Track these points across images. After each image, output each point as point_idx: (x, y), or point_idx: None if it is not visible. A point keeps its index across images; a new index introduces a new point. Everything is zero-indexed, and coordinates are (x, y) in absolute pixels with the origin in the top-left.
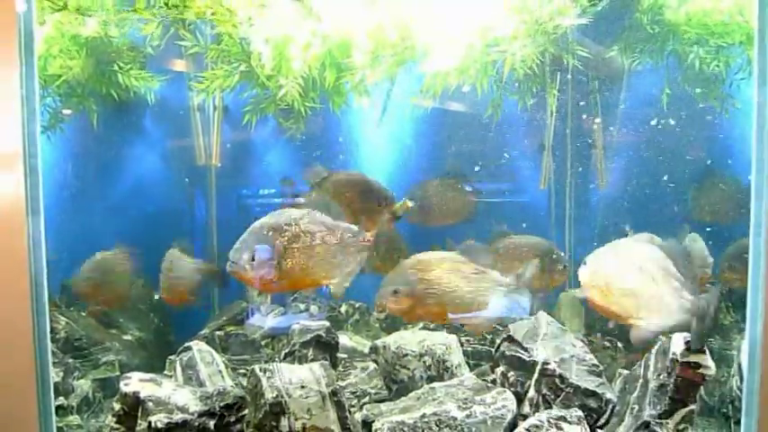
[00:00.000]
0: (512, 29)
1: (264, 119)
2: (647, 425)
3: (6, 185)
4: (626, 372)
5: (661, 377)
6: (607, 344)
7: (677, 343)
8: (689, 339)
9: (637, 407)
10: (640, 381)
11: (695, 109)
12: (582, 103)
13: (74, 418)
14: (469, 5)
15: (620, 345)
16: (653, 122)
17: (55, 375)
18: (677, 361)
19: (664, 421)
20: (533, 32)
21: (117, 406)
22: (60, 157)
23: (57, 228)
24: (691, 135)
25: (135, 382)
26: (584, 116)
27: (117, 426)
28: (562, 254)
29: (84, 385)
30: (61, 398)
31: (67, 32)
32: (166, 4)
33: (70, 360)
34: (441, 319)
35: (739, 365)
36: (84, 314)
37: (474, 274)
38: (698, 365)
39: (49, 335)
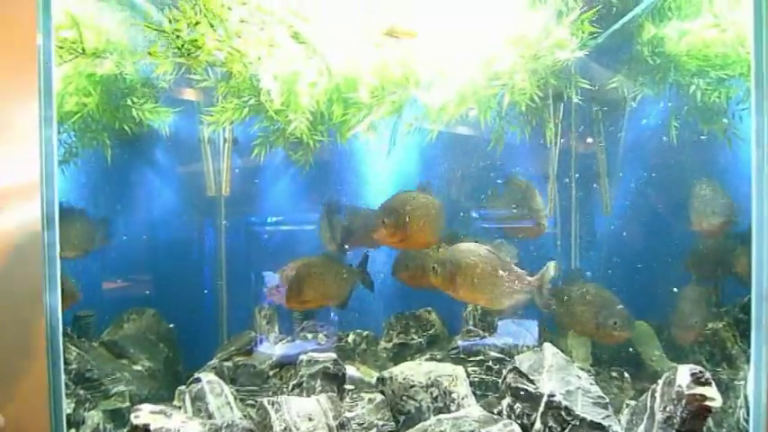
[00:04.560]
0: (511, 62)
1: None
2: None
3: (24, 218)
4: (633, 403)
5: (668, 409)
6: (614, 374)
7: (683, 374)
8: (694, 371)
9: None
10: (647, 412)
11: (697, 138)
12: (585, 132)
13: None
14: (471, 40)
15: (626, 375)
16: (656, 150)
17: (66, 407)
18: (683, 393)
19: None
20: (533, 65)
21: None
22: (74, 189)
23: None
24: (693, 163)
25: (145, 415)
26: (588, 144)
27: None
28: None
29: (94, 416)
30: (73, 430)
31: (83, 71)
32: (179, 49)
33: (81, 391)
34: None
35: (746, 397)
36: (95, 344)
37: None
38: (704, 397)
39: (62, 366)
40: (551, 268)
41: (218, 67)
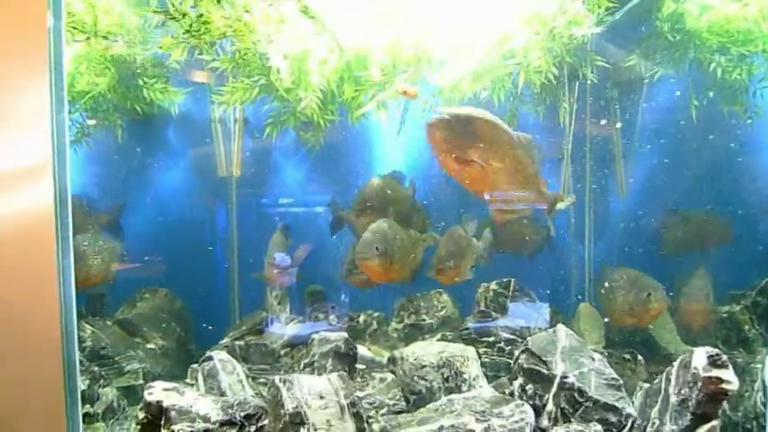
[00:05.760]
0: (527, 40)
1: (284, 130)
2: None
3: (37, 197)
4: (647, 385)
5: (683, 392)
6: (627, 357)
7: (699, 357)
8: (711, 354)
9: (658, 422)
10: (661, 395)
11: (717, 117)
12: (601, 112)
13: (99, 425)
14: (485, 17)
15: (640, 358)
16: (674, 130)
17: (81, 383)
18: (699, 375)
19: None
20: (549, 42)
21: (141, 414)
22: (85, 168)
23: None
24: (712, 142)
25: (158, 391)
26: (604, 125)
27: None
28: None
29: (108, 393)
30: (87, 405)
31: (94, 51)
32: (188, 31)
33: (96, 368)
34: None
35: (763, 381)
36: (109, 323)
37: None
38: (720, 380)
39: (77, 344)
40: (488, 232)
41: (228, 37)
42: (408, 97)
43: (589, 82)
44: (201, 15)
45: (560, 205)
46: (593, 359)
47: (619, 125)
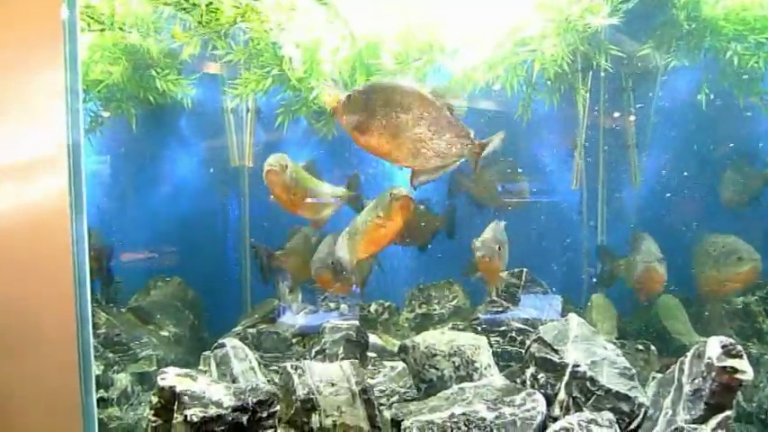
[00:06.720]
0: (541, 28)
1: (296, 120)
2: (680, 430)
3: (51, 186)
4: (660, 375)
5: (696, 381)
6: (640, 347)
7: (713, 347)
8: (725, 343)
9: (670, 411)
10: (674, 385)
11: (733, 106)
12: (615, 101)
13: (114, 410)
14: (499, 5)
15: (653, 348)
16: (689, 120)
17: (96, 369)
18: (713, 365)
19: (698, 427)
20: (563, 31)
21: (154, 399)
22: (100, 158)
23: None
24: (727, 132)
25: (171, 377)
26: (618, 114)
27: (154, 418)
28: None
29: (123, 379)
30: (102, 390)
31: (108, 40)
32: (200, 23)
33: (110, 354)
34: None
35: None
36: (123, 310)
37: None
38: (734, 370)
39: (91, 330)
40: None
41: (238, 24)
42: (328, 106)
43: (603, 70)
44: (211, 3)
45: (489, 148)
46: (606, 348)
47: (632, 119)
